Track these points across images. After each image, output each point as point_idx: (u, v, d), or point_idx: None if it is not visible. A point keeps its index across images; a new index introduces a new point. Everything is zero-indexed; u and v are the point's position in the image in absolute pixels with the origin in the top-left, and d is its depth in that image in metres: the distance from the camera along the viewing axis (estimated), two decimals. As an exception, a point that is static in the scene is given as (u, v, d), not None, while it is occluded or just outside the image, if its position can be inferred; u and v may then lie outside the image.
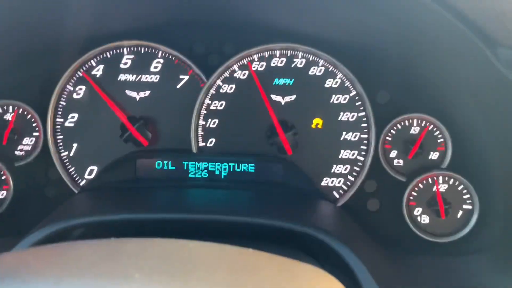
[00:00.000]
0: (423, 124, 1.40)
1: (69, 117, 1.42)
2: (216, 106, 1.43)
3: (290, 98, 1.41)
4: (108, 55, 1.43)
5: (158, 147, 1.43)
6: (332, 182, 1.41)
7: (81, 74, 1.42)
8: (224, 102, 1.43)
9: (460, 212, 1.36)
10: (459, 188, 1.36)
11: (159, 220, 1.06)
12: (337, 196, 1.41)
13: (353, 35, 1.35)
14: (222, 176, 1.37)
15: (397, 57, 1.33)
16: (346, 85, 1.41)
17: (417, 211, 1.37)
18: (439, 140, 1.40)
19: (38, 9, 1.22)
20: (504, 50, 1.00)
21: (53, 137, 1.41)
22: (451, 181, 1.37)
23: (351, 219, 1.30)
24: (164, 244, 0.77)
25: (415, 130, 1.40)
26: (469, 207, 1.36)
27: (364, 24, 1.25)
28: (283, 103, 1.41)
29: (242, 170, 1.37)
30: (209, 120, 1.43)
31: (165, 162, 1.38)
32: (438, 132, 1.40)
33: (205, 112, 1.42)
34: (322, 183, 1.41)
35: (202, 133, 1.43)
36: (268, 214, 1.09)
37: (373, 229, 1.33)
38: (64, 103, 1.42)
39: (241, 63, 1.42)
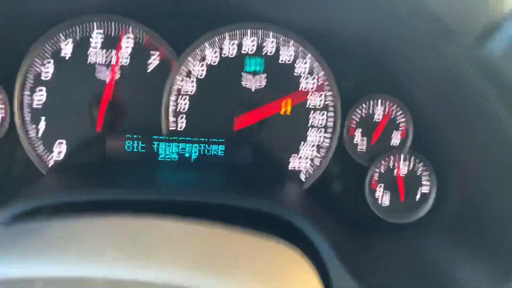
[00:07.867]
0: (386, 105, 1.44)
1: (38, 93, 1.39)
2: (188, 86, 1.42)
3: (261, 81, 1.43)
4: (77, 30, 1.40)
5: (128, 127, 1.42)
6: (299, 165, 1.45)
7: (49, 49, 1.40)
8: (195, 82, 1.42)
9: (419, 194, 1.43)
10: (419, 171, 1.43)
11: (128, 201, 1.08)
12: (303, 178, 1.46)
13: (322, 20, 1.35)
14: (192, 159, 1.39)
15: (360, 42, 1.35)
16: (314, 68, 1.43)
17: (378, 193, 1.44)
18: (401, 124, 1.45)
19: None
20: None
21: (20, 115, 1.39)
22: (411, 165, 1.43)
23: (316, 201, 1.36)
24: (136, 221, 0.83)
25: (378, 114, 1.45)
26: (427, 189, 1.43)
27: (330, 9, 1.26)
28: (253, 84, 1.42)
29: (212, 153, 1.40)
30: (180, 100, 1.43)
31: (135, 142, 1.39)
32: (400, 115, 1.44)
33: (176, 92, 1.42)
34: (290, 166, 1.45)
35: (173, 113, 1.43)
36: (235, 194, 1.12)
37: (337, 211, 1.39)
38: (32, 80, 1.39)
39: (212, 42, 1.42)
